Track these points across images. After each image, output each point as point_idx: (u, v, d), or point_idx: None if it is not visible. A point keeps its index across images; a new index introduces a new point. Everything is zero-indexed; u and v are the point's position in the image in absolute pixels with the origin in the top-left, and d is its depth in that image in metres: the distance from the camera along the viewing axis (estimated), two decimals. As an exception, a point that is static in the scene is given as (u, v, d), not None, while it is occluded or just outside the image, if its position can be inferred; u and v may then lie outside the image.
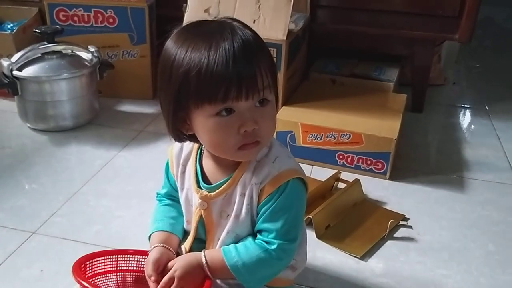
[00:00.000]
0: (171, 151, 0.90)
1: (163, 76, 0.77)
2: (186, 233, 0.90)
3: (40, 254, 1.06)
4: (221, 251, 0.81)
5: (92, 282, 0.79)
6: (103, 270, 0.84)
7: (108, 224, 1.16)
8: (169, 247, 0.85)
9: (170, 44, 0.76)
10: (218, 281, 0.84)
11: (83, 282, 0.73)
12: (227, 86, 0.72)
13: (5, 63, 1.51)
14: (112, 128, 1.62)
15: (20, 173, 1.35)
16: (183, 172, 0.87)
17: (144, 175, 1.37)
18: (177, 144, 0.89)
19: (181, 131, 0.80)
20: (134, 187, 1.31)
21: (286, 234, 0.80)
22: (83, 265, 0.80)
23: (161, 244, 0.84)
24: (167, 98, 0.77)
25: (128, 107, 1.76)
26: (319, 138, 1.40)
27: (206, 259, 0.80)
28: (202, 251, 0.82)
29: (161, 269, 0.82)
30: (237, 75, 0.71)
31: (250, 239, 0.82)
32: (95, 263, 0.83)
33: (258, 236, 0.81)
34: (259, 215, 0.81)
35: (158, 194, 0.96)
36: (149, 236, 0.88)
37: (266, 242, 0.80)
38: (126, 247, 0.90)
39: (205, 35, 0.74)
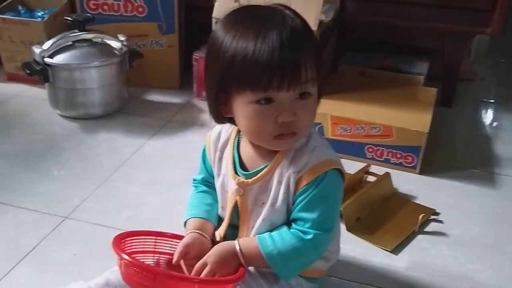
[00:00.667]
0: (209, 137, 0.90)
1: (210, 58, 0.78)
2: (220, 219, 0.90)
3: (73, 238, 1.07)
4: (256, 239, 0.81)
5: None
6: (141, 249, 0.85)
7: (138, 210, 1.17)
8: (203, 234, 0.85)
9: (219, 28, 0.77)
10: (251, 269, 0.84)
11: (122, 254, 0.73)
12: (270, 75, 0.71)
13: (37, 50, 1.52)
14: (140, 117, 1.63)
15: (51, 158, 1.37)
16: (220, 158, 0.88)
17: (173, 163, 1.37)
18: (215, 130, 0.89)
19: (221, 113, 0.81)
20: (163, 175, 1.32)
21: (322, 224, 0.79)
22: (123, 241, 0.81)
23: (196, 231, 0.85)
24: (211, 80, 0.78)
25: (155, 97, 1.77)
26: (348, 131, 1.39)
27: (240, 247, 0.80)
28: (236, 239, 0.82)
29: (192, 255, 0.82)
30: (281, 66, 0.71)
31: (285, 228, 0.82)
32: (134, 241, 0.84)
33: (293, 225, 0.81)
34: (295, 204, 0.80)
35: (194, 180, 0.97)
36: (185, 222, 0.89)
37: (302, 231, 0.79)
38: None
39: (254, 21, 0.74)
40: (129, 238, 0.84)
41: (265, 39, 0.71)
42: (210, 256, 0.79)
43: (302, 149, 0.81)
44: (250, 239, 0.82)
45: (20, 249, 1.03)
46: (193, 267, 0.80)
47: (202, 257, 0.80)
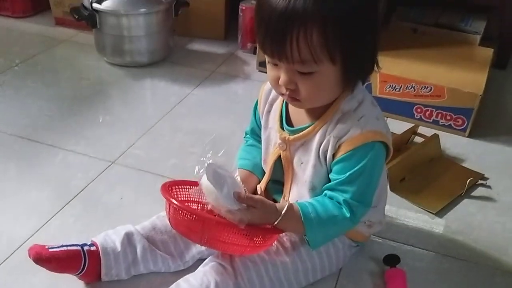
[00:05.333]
0: (262, 87, 0.89)
1: None
2: (263, 174, 0.90)
3: (120, 183, 1.09)
4: (297, 204, 0.78)
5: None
6: (186, 198, 0.86)
7: (183, 159, 1.18)
8: (244, 187, 0.85)
9: None
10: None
11: (171, 199, 0.74)
12: (262, 42, 0.71)
13: (86, -5, 1.52)
14: (185, 66, 1.62)
15: (98, 104, 1.39)
16: (269, 111, 0.87)
17: (217, 114, 1.38)
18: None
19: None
20: (208, 125, 1.32)
21: (361, 197, 0.77)
22: (170, 188, 0.82)
23: None
24: None
25: (200, 47, 1.76)
26: (397, 89, 1.35)
27: (286, 208, 0.75)
28: (287, 201, 0.81)
29: None
30: (267, 35, 0.69)
31: (324, 196, 0.79)
32: (180, 190, 0.85)
33: (331, 194, 0.78)
34: (333, 171, 0.78)
35: (246, 133, 0.97)
36: None
37: (340, 202, 0.77)
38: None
39: None
40: (175, 187, 0.85)
41: (272, 3, 0.67)
42: (258, 203, 0.75)
43: (349, 114, 0.77)
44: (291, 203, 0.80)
45: (70, 190, 1.06)
46: None
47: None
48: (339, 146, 0.76)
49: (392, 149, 0.81)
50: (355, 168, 0.75)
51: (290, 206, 0.77)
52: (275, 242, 0.83)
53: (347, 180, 0.76)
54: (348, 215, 0.77)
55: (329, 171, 0.79)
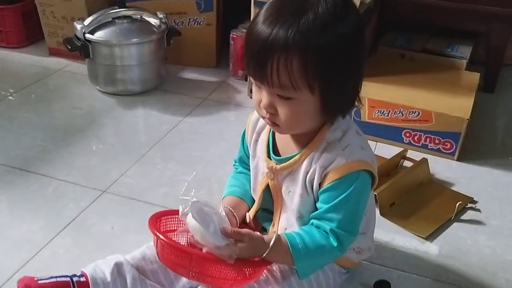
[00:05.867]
0: (250, 117, 0.90)
1: None
2: (253, 201, 0.91)
3: (111, 212, 1.10)
4: (284, 235, 0.79)
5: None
6: (175, 228, 0.86)
7: (174, 187, 1.19)
8: (233, 211, 0.86)
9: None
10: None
11: (159, 235, 0.75)
12: (247, 64, 0.73)
13: (79, 26, 1.55)
14: (177, 94, 1.64)
15: (91, 133, 1.40)
16: (256, 140, 0.88)
17: (208, 142, 1.39)
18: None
19: None
20: (199, 152, 1.33)
21: (348, 225, 0.78)
22: (159, 219, 0.83)
23: (228, 207, 0.86)
24: None
25: (192, 75, 1.78)
26: (386, 114, 1.37)
27: (274, 240, 0.76)
28: (275, 232, 0.82)
29: None
30: (251, 59, 0.72)
31: (312, 226, 0.80)
32: (169, 220, 0.86)
33: (319, 223, 0.79)
34: (319, 201, 0.79)
35: (235, 161, 0.98)
36: (222, 200, 0.90)
37: (327, 231, 0.78)
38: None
39: (283, 4, 0.71)
40: (164, 217, 0.85)
41: (261, 26, 0.70)
42: (245, 237, 0.77)
43: (334, 144, 0.78)
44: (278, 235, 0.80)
45: (61, 220, 1.06)
46: None
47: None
48: (325, 176, 0.77)
49: (378, 177, 0.82)
50: (341, 197, 0.76)
51: (278, 238, 0.77)
52: (265, 271, 0.83)
53: (333, 209, 0.77)
54: (335, 244, 0.77)
55: (316, 200, 0.80)
